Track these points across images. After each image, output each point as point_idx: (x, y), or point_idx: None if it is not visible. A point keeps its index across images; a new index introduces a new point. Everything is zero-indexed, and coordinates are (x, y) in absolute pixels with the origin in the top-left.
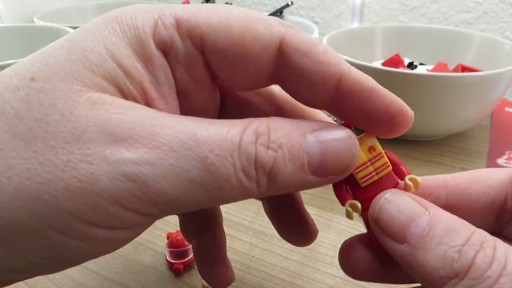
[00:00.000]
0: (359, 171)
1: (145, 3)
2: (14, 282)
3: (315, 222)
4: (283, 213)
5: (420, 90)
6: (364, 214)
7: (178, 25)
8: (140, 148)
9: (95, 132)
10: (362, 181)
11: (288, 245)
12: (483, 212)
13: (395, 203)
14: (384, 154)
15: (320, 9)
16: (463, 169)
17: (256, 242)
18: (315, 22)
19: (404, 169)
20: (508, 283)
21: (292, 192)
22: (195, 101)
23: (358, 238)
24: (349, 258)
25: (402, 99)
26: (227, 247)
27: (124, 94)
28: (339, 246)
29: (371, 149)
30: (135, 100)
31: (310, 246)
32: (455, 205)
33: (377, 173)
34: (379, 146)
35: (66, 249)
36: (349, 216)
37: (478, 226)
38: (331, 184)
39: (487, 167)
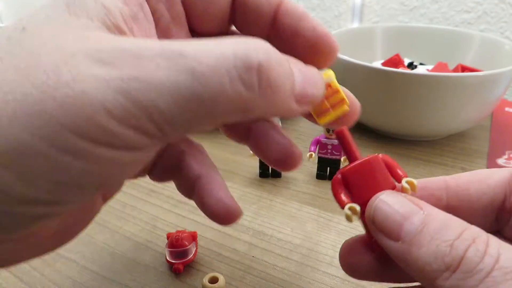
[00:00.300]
0: (315, 106)
1: None
2: (27, 224)
3: (315, 222)
4: (266, 139)
5: (420, 90)
6: (363, 216)
7: None
8: (126, 66)
9: (83, 57)
10: (318, 116)
11: (288, 245)
12: (483, 212)
13: (389, 203)
14: (340, 90)
15: (320, 9)
16: (463, 169)
17: (256, 242)
18: None
19: (401, 172)
20: (500, 277)
21: (274, 117)
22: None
23: (358, 238)
24: (350, 258)
25: (402, 99)
26: (227, 247)
27: (110, 29)
28: (339, 246)
29: (327, 86)
30: (121, 31)
31: (310, 246)
32: (455, 206)
33: (333, 109)
34: (336, 83)
35: (71, 170)
36: (348, 219)
37: (478, 226)
38: (330, 187)
39: (487, 167)
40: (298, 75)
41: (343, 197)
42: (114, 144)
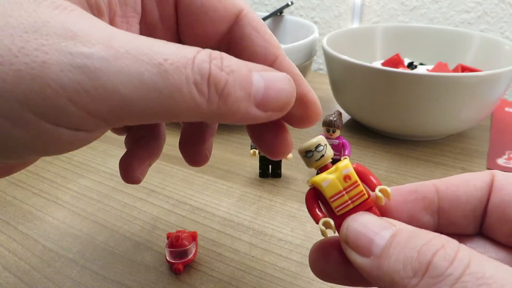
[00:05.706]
0: (335, 200)
1: None
2: None
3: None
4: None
5: (420, 90)
6: (339, 228)
7: None
8: (97, 45)
9: (54, 27)
10: (337, 209)
11: (288, 245)
12: (473, 213)
13: (361, 221)
14: (359, 182)
15: (320, 9)
16: (463, 169)
17: (256, 242)
18: (315, 22)
19: (374, 180)
20: (471, 282)
21: (236, 123)
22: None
23: (328, 242)
24: (321, 261)
25: (402, 99)
26: (227, 247)
27: (91, 7)
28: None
29: (346, 178)
30: (100, 11)
31: (310, 246)
32: (447, 209)
33: (352, 202)
34: (355, 175)
35: (10, 137)
36: (323, 234)
37: (471, 229)
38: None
39: (487, 167)
40: (258, 82)
41: (317, 211)
42: (59, 122)
